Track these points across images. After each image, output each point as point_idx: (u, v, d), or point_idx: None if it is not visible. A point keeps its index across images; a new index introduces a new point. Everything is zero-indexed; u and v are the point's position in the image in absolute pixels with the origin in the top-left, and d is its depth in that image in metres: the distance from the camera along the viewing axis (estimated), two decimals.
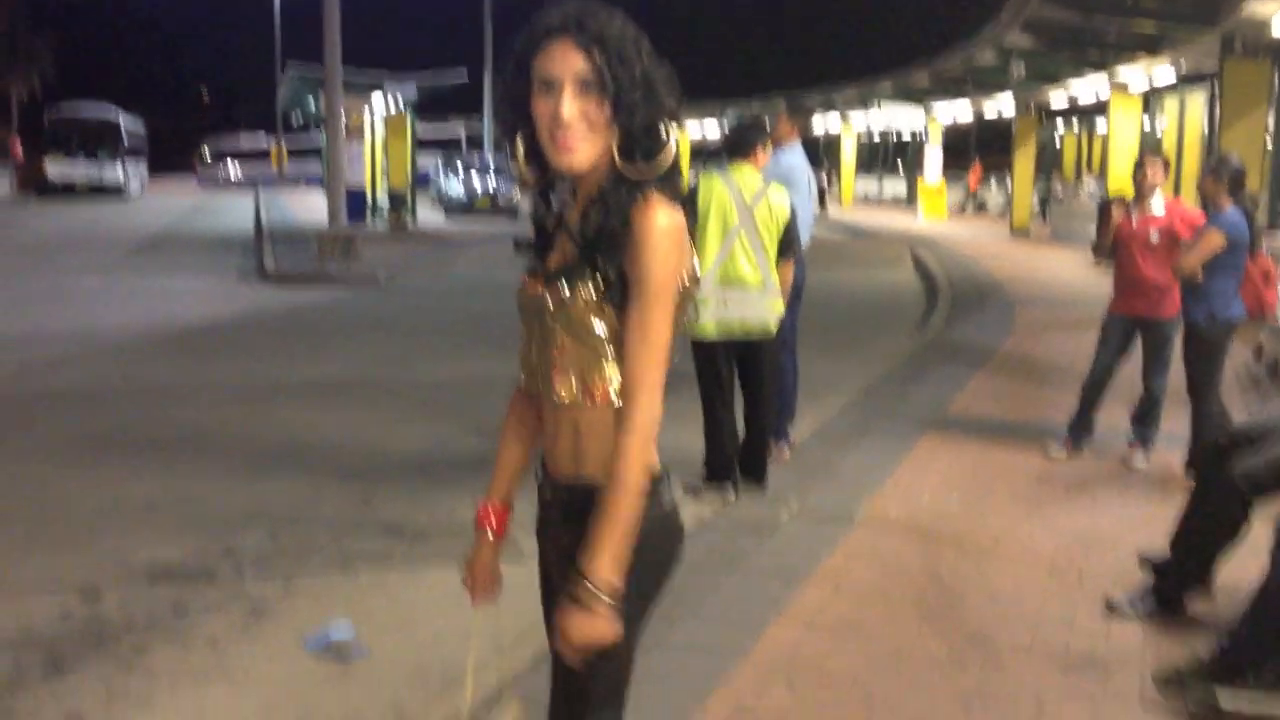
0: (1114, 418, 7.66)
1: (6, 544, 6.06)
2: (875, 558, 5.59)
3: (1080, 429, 7.56)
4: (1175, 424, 7.38)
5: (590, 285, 2.19)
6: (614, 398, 2.23)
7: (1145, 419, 7.38)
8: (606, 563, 2.11)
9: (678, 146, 2.27)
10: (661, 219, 2.16)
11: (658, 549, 2.28)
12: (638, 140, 2.20)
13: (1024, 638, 4.68)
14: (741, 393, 6.65)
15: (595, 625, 2.12)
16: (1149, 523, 6.06)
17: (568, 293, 2.21)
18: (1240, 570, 4.78)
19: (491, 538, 2.51)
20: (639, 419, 2.16)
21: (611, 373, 2.23)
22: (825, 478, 6.96)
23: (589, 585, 2.11)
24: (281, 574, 5.62)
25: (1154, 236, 7.13)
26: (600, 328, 2.21)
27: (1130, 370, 7.54)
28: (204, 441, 8.21)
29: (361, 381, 10.64)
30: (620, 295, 2.18)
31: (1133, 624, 4.82)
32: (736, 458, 6.55)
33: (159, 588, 5.44)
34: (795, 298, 7.21)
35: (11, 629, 4.96)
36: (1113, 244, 7.36)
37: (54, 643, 4.82)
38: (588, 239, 2.21)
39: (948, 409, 9.02)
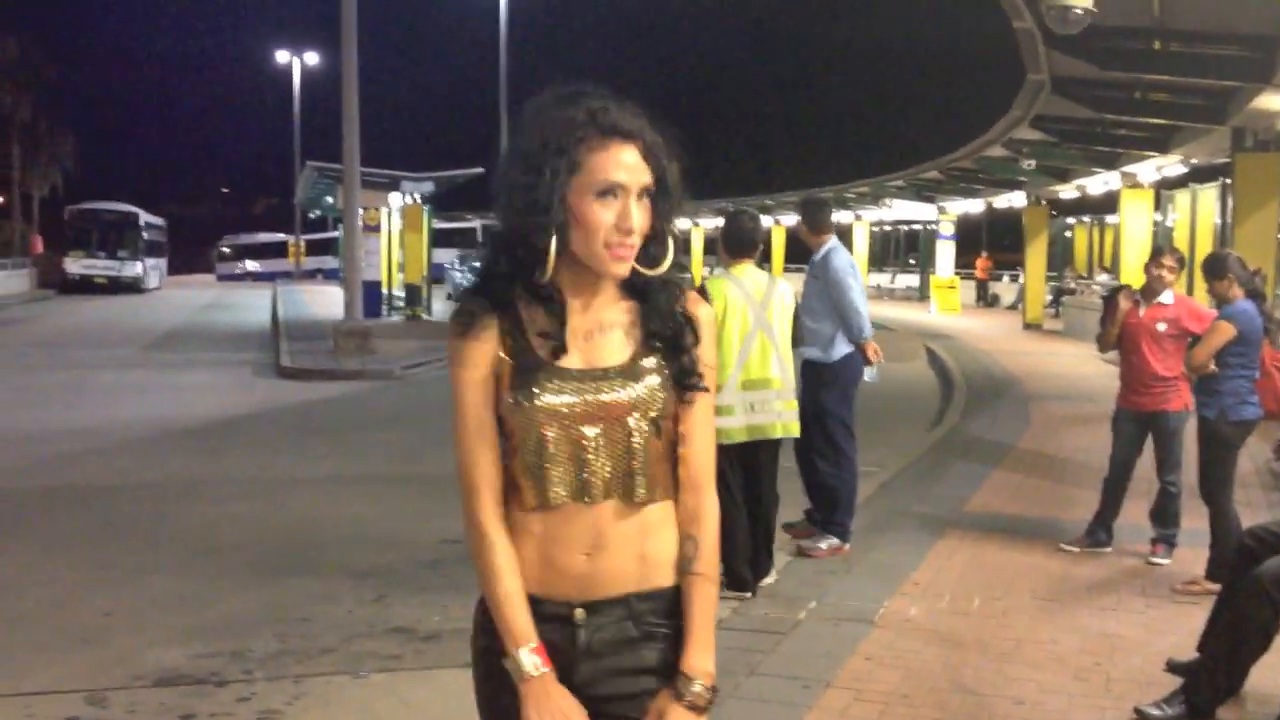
0: (1137, 516, 7.55)
1: (15, 644, 5.99)
2: (896, 660, 5.48)
3: (1099, 527, 7.46)
4: (1199, 520, 7.27)
5: (662, 377, 2.15)
6: (673, 491, 2.19)
7: (1163, 516, 7.26)
8: (710, 657, 2.09)
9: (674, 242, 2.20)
10: (707, 310, 2.19)
11: None
12: (658, 242, 2.15)
13: None
14: (746, 491, 6.46)
15: None
16: (1174, 624, 5.95)
17: (650, 389, 2.13)
18: (1272, 675, 4.67)
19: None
20: (715, 507, 2.17)
21: (670, 465, 2.18)
22: (843, 576, 6.85)
23: (702, 685, 2.07)
24: (291, 676, 5.53)
25: (1161, 326, 7.06)
26: (672, 419, 2.16)
27: (1151, 468, 7.43)
28: (215, 538, 8.15)
29: (375, 476, 10.59)
30: (686, 388, 2.16)
31: None
32: (749, 559, 6.42)
33: (166, 692, 5.35)
34: (847, 389, 7.38)
35: None
36: (1119, 336, 7.28)
37: None
38: (664, 335, 2.15)
39: (966, 506, 8.92)
